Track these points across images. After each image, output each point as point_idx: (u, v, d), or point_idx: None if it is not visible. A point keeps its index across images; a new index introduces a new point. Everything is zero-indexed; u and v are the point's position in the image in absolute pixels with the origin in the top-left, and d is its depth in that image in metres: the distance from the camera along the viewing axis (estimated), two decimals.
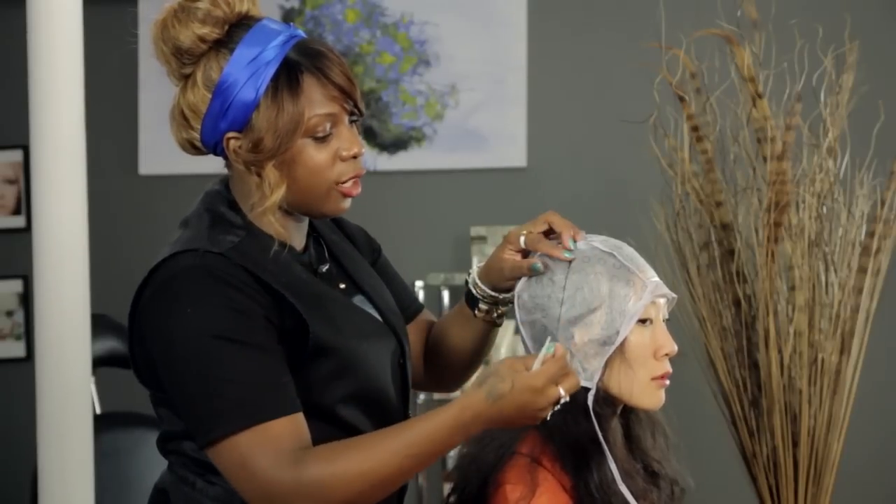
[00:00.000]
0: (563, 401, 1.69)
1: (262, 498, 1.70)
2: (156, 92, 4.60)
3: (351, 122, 1.82)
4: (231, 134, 1.78)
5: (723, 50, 3.13)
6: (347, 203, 1.83)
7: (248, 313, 1.73)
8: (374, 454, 1.68)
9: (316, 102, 1.77)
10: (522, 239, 1.89)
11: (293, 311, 1.76)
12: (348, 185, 1.81)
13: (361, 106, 1.82)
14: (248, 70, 1.76)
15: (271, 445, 1.69)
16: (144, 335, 1.78)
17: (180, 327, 1.72)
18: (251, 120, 1.76)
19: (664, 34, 3.13)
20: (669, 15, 3.23)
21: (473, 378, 1.81)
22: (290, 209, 1.82)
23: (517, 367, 1.69)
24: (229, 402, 1.70)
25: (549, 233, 1.91)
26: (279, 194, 1.78)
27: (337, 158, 1.79)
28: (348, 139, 1.80)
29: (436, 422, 1.68)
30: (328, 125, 1.78)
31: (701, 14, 3.29)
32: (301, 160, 1.78)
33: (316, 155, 1.78)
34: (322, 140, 1.78)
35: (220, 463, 1.72)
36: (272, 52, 1.76)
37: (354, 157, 1.80)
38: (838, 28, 3.11)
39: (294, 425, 1.71)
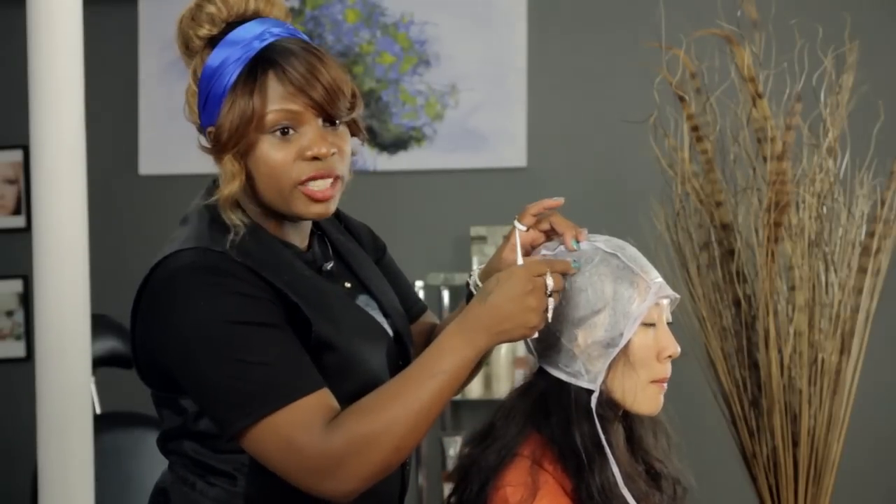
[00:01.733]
0: (550, 289, 1.72)
1: (313, 471, 1.69)
2: (156, 92, 4.60)
3: (331, 123, 1.80)
4: (210, 128, 1.80)
5: (723, 50, 3.13)
6: (319, 207, 1.80)
7: (256, 297, 1.73)
8: (403, 392, 1.70)
9: (274, 98, 1.76)
10: (518, 223, 1.92)
11: (296, 308, 1.76)
12: (312, 186, 1.78)
13: (337, 108, 1.79)
14: (221, 67, 1.78)
15: (311, 420, 1.69)
16: (152, 334, 1.77)
17: (194, 320, 1.71)
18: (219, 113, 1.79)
19: (664, 34, 3.13)
20: (669, 15, 3.23)
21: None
22: (267, 208, 1.82)
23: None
24: (261, 384, 1.69)
25: (551, 233, 1.91)
26: (234, 186, 1.77)
27: (299, 158, 1.78)
28: (312, 139, 1.78)
29: (444, 342, 1.72)
30: (288, 123, 1.77)
31: (701, 14, 3.29)
32: (258, 156, 1.78)
33: (274, 152, 1.77)
34: (282, 138, 1.78)
35: (258, 447, 1.71)
36: (242, 50, 1.78)
37: (315, 157, 1.79)
38: (838, 28, 3.11)
39: (326, 397, 1.72)
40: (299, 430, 1.69)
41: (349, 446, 1.68)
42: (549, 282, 1.73)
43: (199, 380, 1.73)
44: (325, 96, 1.77)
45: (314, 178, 1.78)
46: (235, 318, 1.71)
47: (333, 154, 1.79)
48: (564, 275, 1.79)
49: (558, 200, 1.91)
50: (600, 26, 4.53)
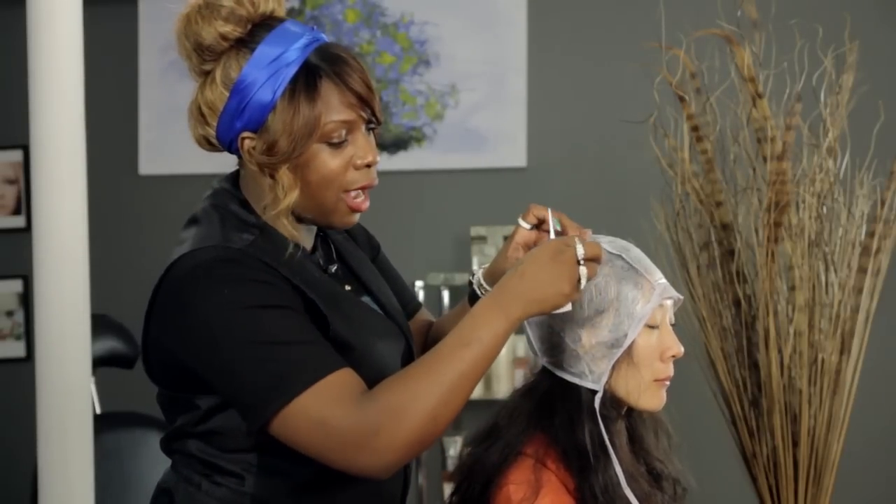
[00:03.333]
0: (581, 257, 1.70)
1: (349, 446, 1.67)
2: (156, 92, 4.60)
3: (368, 129, 1.81)
4: (246, 134, 1.77)
5: (723, 50, 3.13)
6: (356, 217, 1.83)
7: (276, 285, 1.73)
8: (437, 365, 1.68)
9: (333, 108, 1.76)
10: (523, 222, 1.91)
11: (313, 306, 1.76)
12: (358, 199, 1.81)
13: (380, 114, 1.81)
14: (267, 71, 1.75)
15: (341, 395, 1.67)
16: (171, 331, 1.76)
17: (219, 309, 1.70)
18: (267, 121, 1.76)
19: (664, 34, 3.13)
20: (669, 15, 3.23)
21: None
22: (300, 216, 1.82)
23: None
24: (289, 363, 1.69)
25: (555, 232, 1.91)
26: (292, 197, 1.77)
27: (350, 166, 1.79)
28: (363, 147, 1.80)
29: (479, 313, 1.70)
30: (344, 132, 1.78)
31: (701, 14, 3.29)
32: (314, 165, 1.77)
33: (330, 161, 1.78)
34: (337, 146, 1.78)
35: (289, 431, 1.69)
36: (293, 55, 1.75)
37: (368, 165, 1.80)
38: (838, 28, 3.11)
39: (352, 375, 1.71)
40: (331, 406, 1.67)
41: (383, 416, 1.66)
42: (580, 250, 1.71)
43: (227, 368, 1.71)
44: (374, 105, 1.79)
45: (364, 188, 1.80)
46: (257, 303, 1.70)
47: (377, 161, 1.81)
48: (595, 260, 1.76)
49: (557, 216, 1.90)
50: (600, 26, 4.53)
